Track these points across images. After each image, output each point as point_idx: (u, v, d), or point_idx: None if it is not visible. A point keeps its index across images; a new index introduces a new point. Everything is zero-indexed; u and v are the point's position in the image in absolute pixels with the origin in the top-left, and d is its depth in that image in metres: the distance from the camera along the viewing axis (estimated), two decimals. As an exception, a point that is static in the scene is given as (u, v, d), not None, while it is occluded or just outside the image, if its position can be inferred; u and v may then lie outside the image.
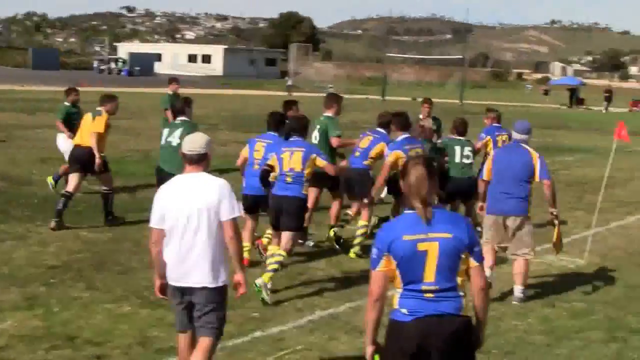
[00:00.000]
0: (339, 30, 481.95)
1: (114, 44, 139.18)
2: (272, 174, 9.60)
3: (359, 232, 11.31)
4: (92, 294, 9.00)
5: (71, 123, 14.74)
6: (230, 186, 6.05)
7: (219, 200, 5.91)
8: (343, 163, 11.31)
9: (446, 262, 4.69)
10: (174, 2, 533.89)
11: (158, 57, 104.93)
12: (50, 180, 15.13)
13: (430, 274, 4.69)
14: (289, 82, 70.51)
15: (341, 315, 8.62)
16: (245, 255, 10.12)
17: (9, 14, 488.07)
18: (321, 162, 9.60)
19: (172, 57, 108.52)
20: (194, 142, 6.08)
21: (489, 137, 13.37)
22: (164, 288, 6.21)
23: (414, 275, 4.71)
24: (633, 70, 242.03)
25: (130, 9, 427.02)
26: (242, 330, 7.99)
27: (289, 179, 9.41)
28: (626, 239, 13.30)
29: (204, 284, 5.95)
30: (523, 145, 9.57)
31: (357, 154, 11.53)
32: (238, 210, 6.02)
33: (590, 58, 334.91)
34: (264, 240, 10.54)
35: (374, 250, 4.81)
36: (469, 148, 12.27)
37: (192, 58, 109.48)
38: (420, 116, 15.20)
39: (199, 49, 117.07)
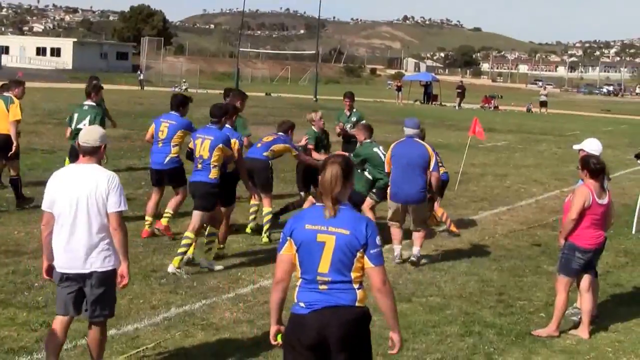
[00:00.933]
0: (191, 24, 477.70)
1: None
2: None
3: (265, 219, 12.11)
4: (-63, 297, 8.67)
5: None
6: (119, 180, 6.36)
7: (107, 192, 6.22)
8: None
9: (340, 257, 4.95)
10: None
11: (5, 49, 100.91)
12: None
13: (325, 265, 4.95)
14: (141, 77, 69.30)
15: (197, 312, 8.63)
16: (147, 227, 11.91)
17: None
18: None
19: (20, 50, 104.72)
20: (89, 135, 6.39)
21: None
22: (50, 270, 6.42)
23: (310, 263, 4.98)
24: (485, 66, 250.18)
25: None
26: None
27: (199, 166, 10.22)
28: (479, 235, 13.61)
29: (92, 268, 6.24)
30: (417, 139, 11.08)
31: (259, 145, 12.21)
32: (124, 205, 6.33)
33: (442, 54, 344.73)
34: (163, 221, 11.84)
35: (281, 234, 5.14)
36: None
37: (40, 51, 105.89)
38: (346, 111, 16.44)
39: (48, 42, 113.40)
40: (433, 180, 11.11)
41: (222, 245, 11.04)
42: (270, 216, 12.14)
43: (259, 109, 39.11)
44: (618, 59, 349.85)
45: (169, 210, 12.05)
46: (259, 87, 72.39)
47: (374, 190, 12.05)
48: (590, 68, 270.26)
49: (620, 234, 13.76)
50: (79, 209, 6.20)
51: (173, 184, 12.13)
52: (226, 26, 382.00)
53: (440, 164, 11.90)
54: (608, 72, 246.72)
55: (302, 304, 5.02)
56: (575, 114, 62.18)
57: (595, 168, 8.40)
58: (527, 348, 8.14)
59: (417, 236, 11.29)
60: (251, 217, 12.70)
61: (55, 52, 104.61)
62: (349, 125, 16.17)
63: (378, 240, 5.05)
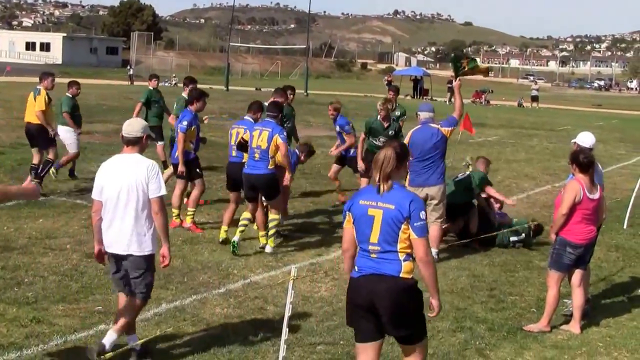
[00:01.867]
0: (181, 19, 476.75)
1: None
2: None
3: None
4: None
5: (74, 114, 15.81)
6: (158, 167, 6.92)
7: (147, 179, 6.78)
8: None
9: (387, 229, 5.64)
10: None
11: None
12: (52, 170, 15.38)
13: (375, 236, 5.67)
14: (131, 72, 69.15)
15: (187, 308, 8.61)
16: (174, 219, 12.24)
17: None
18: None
19: (9, 45, 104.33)
20: (131, 127, 6.96)
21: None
22: (101, 253, 7.01)
23: (363, 234, 5.73)
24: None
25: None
26: (86, 324, 7.86)
27: (256, 156, 10.91)
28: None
29: (130, 251, 6.81)
30: (432, 124, 11.32)
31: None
32: (164, 190, 6.87)
33: (433, 49, 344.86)
34: (188, 220, 12.26)
35: (343, 210, 5.94)
36: None
37: (30, 46, 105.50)
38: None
39: (38, 37, 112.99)
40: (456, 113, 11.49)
41: (263, 233, 11.40)
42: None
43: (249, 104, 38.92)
44: (609, 53, 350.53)
45: (190, 208, 12.29)
46: (249, 82, 72.37)
47: None
48: (581, 63, 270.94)
49: (612, 229, 13.76)
50: (123, 195, 6.79)
51: (190, 176, 12.45)
52: (216, 21, 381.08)
53: None
54: (599, 66, 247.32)
55: (356, 269, 5.80)
56: (567, 108, 62.28)
57: (583, 162, 8.41)
58: (519, 343, 8.13)
59: (435, 233, 10.92)
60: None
61: (45, 47, 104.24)
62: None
63: (422, 214, 5.63)
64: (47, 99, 14.53)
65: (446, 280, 10.31)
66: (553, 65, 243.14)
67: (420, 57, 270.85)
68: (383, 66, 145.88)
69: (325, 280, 10.04)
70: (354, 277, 5.80)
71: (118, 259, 6.89)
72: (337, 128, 14.69)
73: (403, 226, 5.60)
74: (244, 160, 11.28)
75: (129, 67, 72.88)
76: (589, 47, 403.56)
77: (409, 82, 71.56)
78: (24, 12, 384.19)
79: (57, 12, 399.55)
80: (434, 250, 10.84)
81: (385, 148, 5.79)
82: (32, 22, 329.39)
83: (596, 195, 8.46)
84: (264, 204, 11.59)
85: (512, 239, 12.24)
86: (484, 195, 12.67)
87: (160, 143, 17.14)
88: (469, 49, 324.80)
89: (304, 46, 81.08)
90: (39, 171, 14.58)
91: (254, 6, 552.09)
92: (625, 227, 14.17)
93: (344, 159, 14.85)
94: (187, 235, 11.85)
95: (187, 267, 10.18)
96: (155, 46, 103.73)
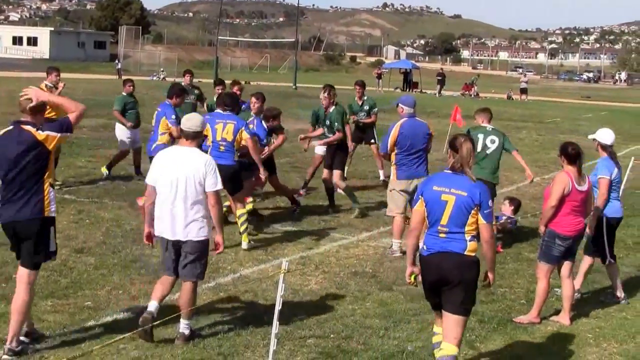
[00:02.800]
0: (169, 12, 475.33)
1: None
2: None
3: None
4: None
5: (128, 112, 16.03)
6: (214, 163, 7.44)
7: (204, 173, 7.30)
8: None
9: (458, 213, 6.34)
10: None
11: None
12: (104, 169, 15.95)
13: (445, 219, 6.36)
14: (119, 66, 68.91)
15: (176, 302, 8.55)
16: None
17: None
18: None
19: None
20: (191, 122, 7.44)
21: None
22: (150, 236, 7.51)
23: (435, 217, 6.42)
24: (465, 54, 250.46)
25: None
26: (75, 320, 7.84)
27: (222, 149, 10.90)
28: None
29: (188, 237, 7.32)
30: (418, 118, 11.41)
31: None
32: (220, 184, 7.42)
33: (422, 42, 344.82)
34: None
35: (415, 193, 6.67)
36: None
37: (17, 40, 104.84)
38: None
39: (25, 31, 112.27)
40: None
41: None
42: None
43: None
44: (598, 45, 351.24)
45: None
46: (238, 76, 71.83)
47: None
48: (570, 55, 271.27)
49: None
50: (179, 185, 7.27)
51: None
52: (205, 14, 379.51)
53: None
54: (588, 58, 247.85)
55: (425, 247, 6.49)
56: (556, 100, 62.42)
57: (572, 154, 8.42)
58: (509, 335, 8.15)
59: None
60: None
61: (32, 41, 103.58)
62: (362, 114, 16.48)
63: (490, 203, 6.40)
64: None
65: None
66: (542, 58, 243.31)
67: (410, 50, 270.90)
68: (372, 59, 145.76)
69: (315, 274, 10.03)
70: (424, 255, 6.50)
71: (173, 244, 7.37)
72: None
73: (473, 212, 6.33)
74: None
75: (116, 62, 72.57)
76: (577, 40, 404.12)
77: (399, 75, 71.61)
78: (10, 7, 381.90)
79: (44, 6, 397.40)
80: (397, 241, 11.11)
81: (465, 141, 6.45)
82: (19, 16, 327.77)
83: (584, 187, 8.48)
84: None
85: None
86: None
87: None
88: (458, 41, 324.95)
89: (293, 39, 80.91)
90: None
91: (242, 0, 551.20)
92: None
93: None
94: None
95: (177, 262, 10.11)
96: (143, 40, 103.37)
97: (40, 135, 6.74)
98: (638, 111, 48.46)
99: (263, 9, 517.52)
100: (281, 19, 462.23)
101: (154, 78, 61.92)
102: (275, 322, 6.48)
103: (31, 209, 6.76)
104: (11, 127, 6.91)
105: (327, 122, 13.73)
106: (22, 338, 6.98)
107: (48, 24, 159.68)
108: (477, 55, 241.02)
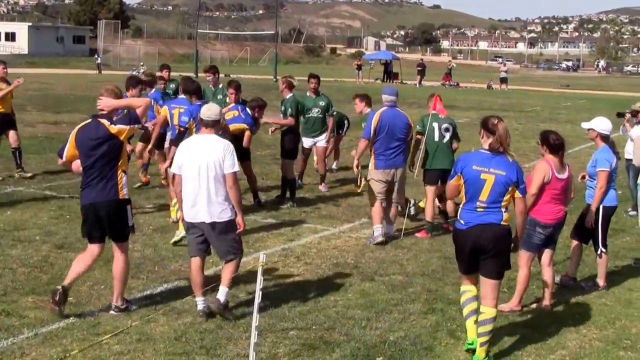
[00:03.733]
0: (149, 6, 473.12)
1: None
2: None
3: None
4: None
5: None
6: (233, 147, 7.91)
7: (223, 157, 7.76)
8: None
9: (497, 190, 7.01)
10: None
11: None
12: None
13: (484, 195, 7.01)
14: (99, 60, 68.57)
15: (158, 297, 8.57)
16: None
17: None
18: None
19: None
20: (210, 111, 8.03)
21: None
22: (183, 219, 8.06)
23: (474, 194, 7.05)
24: (445, 44, 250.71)
25: None
26: (57, 316, 7.77)
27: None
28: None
29: (214, 219, 7.78)
30: (398, 108, 11.56)
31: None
32: (238, 166, 7.90)
33: (402, 33, 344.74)
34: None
35: (453, 169, 7.28)
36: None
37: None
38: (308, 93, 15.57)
39: (2, 27, 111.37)
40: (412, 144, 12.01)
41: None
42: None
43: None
44: (577, 34, 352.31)
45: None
46: (219, 69, 71.87)
47: None
48: (549, 44, 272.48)
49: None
50: (203, 171, 7.74)
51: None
52: (184, 8, 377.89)
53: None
54: (567, 47, 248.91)
55: (462, 222, 7.14)
56: (535, 89, 62.61)
57: (555, 144, 8.46)
58: (490, 323, 8.17)
59: (394, 212, 11.81)
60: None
61: (10, 36, 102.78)
62: (316, 110, 15.09)
63: (524, 178, 7.19)
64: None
65: (417, 263, 10.38)
66: (521, 47, 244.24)
67: (390, 40, 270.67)
68: (352, 51, 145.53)
69: (297, 266, 10.05)
70: (461, 229, 7.14)
71: (203, 227, 7.83)
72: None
73: (510, 188, 7.02)
74: None
75: (96, 56, 72.20)
76: (556, 29, 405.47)
77: (380, 65, 71.63)
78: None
79: (21, 1, 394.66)
80: (378, 226, 11.28)
81: (499, 121, 7.10)
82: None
83: (564, 175, 8.52)
84: None
85: None
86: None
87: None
88: (438, 32, 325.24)
89: (273, 32, 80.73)
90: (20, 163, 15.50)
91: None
92: (593, 206, 14.23)
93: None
94: (158, 224, 11.81)
95: (159, 256, 10.13)
96: (122, 34, 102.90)
97: (113, 128, 7.74)
98: (616, 99, 48.63)
99: (242, 1, 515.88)
100: (261, 12, 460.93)
101: (134, 72, 61.59)
102: (256, 314, 6.47)
103: (107, 192, 7.73)
104: (89, 120, 7.94)
105: (282, 108, 14.18)
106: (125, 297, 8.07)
107: (26, 19, 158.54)
108: (457, 46, 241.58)
